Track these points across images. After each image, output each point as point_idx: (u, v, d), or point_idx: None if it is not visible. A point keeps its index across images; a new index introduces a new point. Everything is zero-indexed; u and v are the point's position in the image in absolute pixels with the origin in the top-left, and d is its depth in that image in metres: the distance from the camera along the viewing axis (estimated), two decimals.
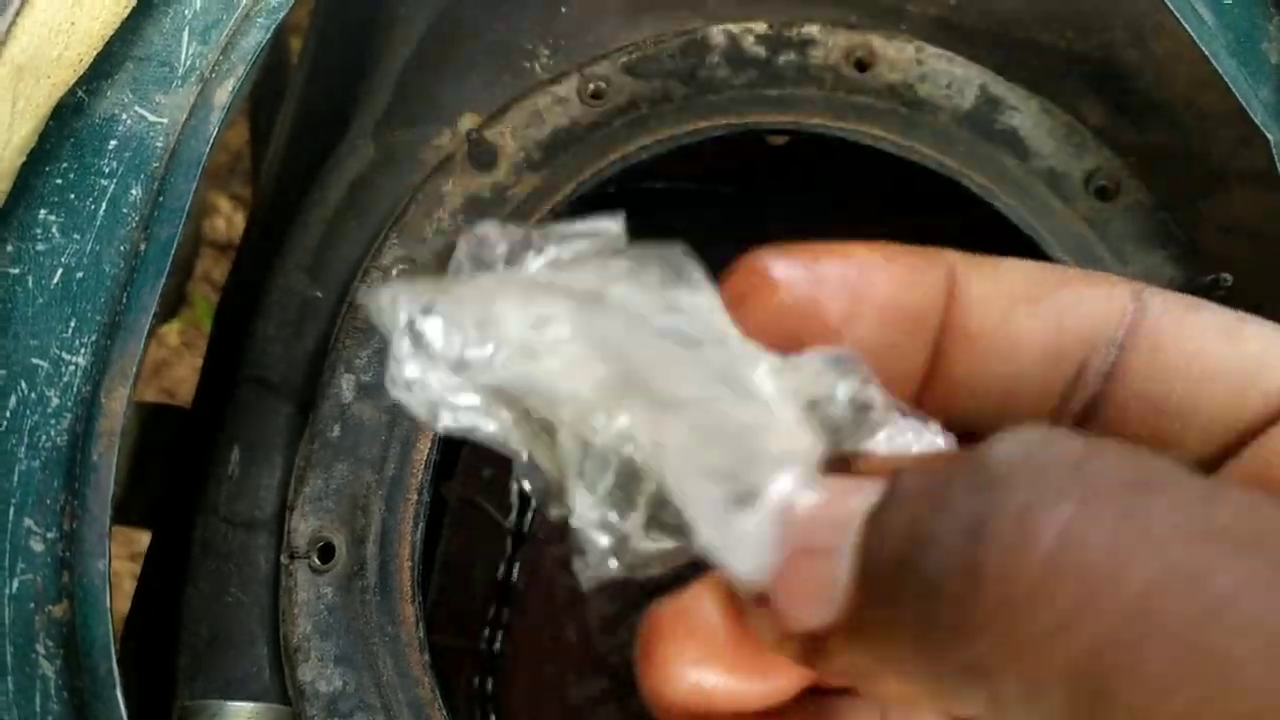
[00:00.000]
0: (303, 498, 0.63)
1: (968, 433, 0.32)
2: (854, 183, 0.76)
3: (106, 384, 0.45)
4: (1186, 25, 0.59)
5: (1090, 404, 0.32)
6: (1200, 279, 0.64)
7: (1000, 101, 0.69)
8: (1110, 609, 0.23)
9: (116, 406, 0.45)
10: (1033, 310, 0.31)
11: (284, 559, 0.63)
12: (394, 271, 0.66)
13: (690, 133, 0.68)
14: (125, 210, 0.48)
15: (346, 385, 0.65)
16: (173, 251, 0.47)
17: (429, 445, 0.63)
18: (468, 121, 0.70)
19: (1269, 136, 0.59)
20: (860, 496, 0.27)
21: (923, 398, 0.32)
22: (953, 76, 0.69)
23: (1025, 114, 0.69)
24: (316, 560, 0.63)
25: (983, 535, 0.24)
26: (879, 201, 0.76)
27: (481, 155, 0.67)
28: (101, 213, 0.48)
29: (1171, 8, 0.59)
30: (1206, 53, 0.59)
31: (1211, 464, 0.32)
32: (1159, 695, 0.23)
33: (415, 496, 0.63)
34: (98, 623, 0.43)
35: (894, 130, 0.68)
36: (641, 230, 0.29)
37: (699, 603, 0.29)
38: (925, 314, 0.31)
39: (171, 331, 1.79)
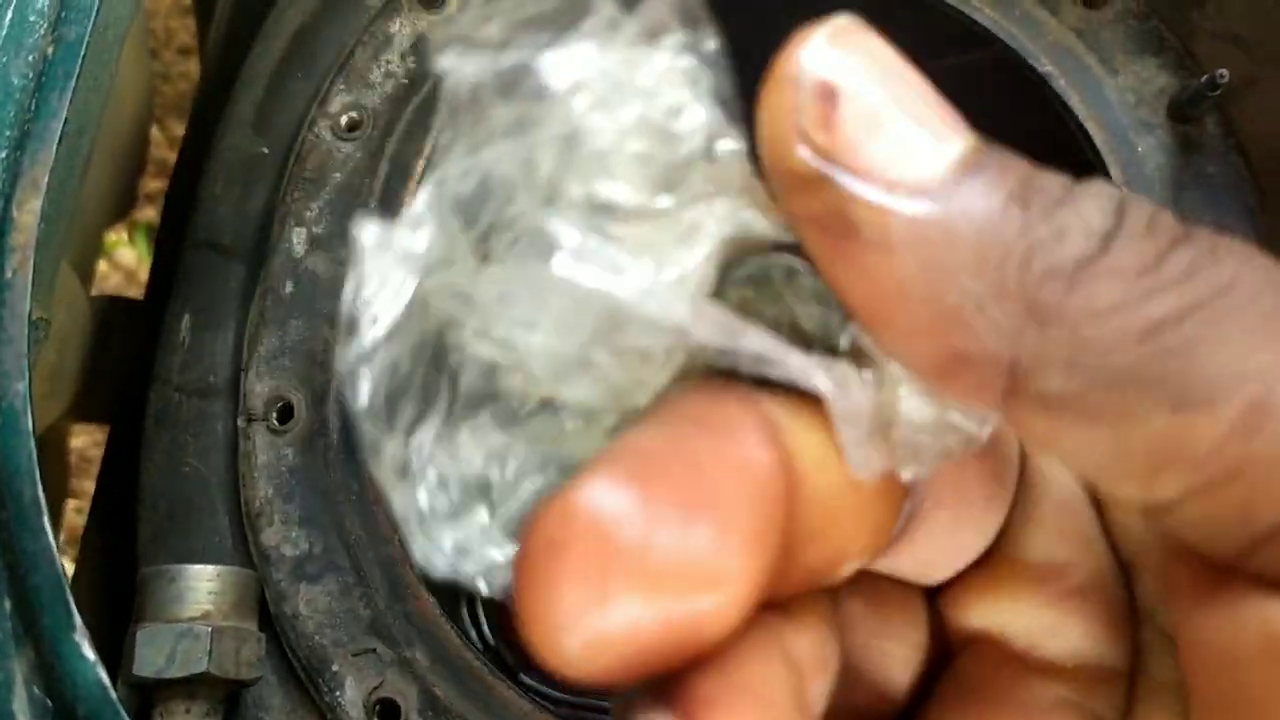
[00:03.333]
0: (257, 358, 0.60)
1: None
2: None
3: (18, 196, 0.42)
4: None
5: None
6: (1195, 82, 0.60)
7: None
8: None
9: (29, 219, 0.41)
10: None
11: (241, 422, 0.60)
12: (342, 120, 0.62)
13: None
14: (32, 18, 0.44)
15: (297, 239, 0.61)
16: (81, 54, 0.43)
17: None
18: None
19: None
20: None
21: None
22: None
23: None
24: (275, 421, 0.59)
25: None
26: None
27: None
28: (7, 21, 0.44)
29: None
30: None
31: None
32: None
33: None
34: (18, 447, 0.40)
35: None
36: None
37: (594, 499, 0.20)
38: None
39: (143, 269, 1.75)
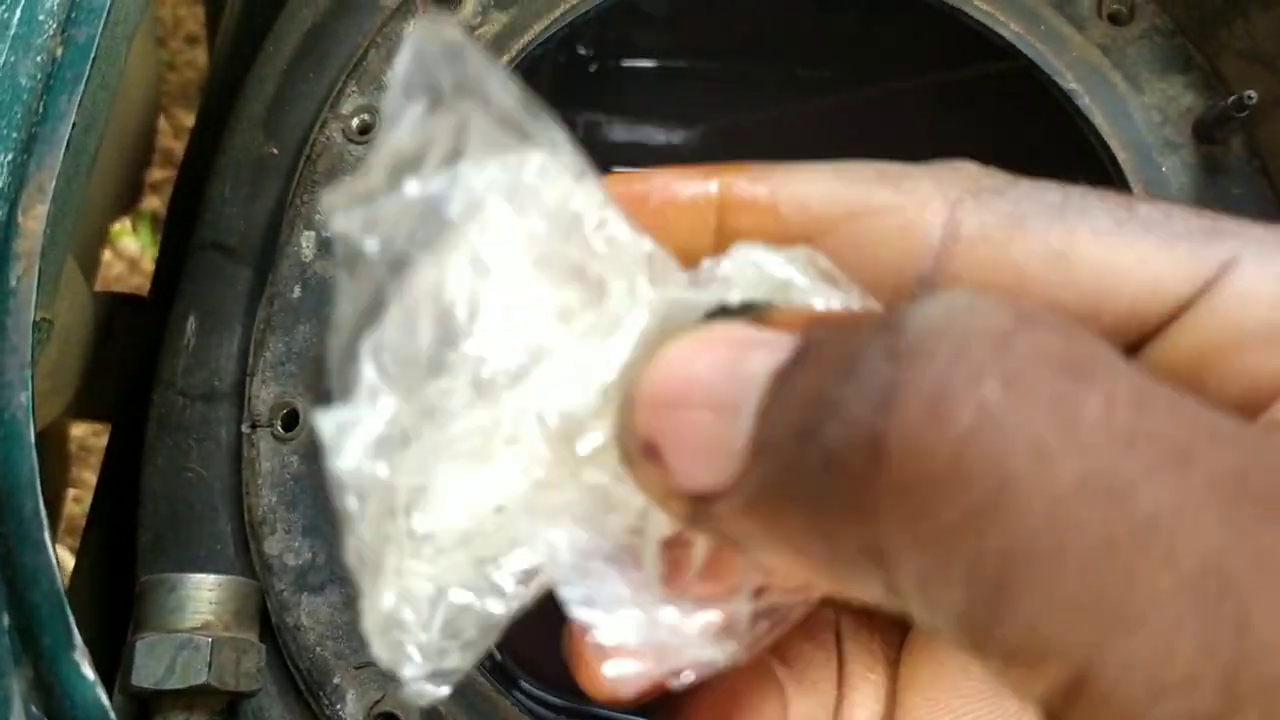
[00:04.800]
0: (263, 363, 0.59)
1: None
2: (855, 16, 0.71)
3: (23, 202, 0.41)
4: None
5: None
6: (1221, 102, 0.59)
7: None
8: (1027, 511, 0.20)
9: (34, 225, 0.40)
10: (820, 234, 0.29)
11: (245, 429, 0.59)
12: (354, 122, 0.61)
13: None
14: (42, 17, 0.43)
15: (306, 243, 0.60)
16: (92, 55, 0.42)
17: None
18: None
19: None
20: (767, 352, 0.24)
21: None
22: None
23: None
24: (280, 428, 0.58)
25: (891, 407, 0.21)
26: (879, 37, 0.72)
27: None
28: (16, 20, 0.43)
29: None
30: None
31: None
32: (1066, 617, 0.20)
33: None
34: (20, 459, 0.39)
35: None
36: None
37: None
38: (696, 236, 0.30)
39: (146, 258, 1.74)
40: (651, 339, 0.26)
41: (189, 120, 1.78)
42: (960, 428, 0.21)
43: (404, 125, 0.26)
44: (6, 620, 0.39)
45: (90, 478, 1.63)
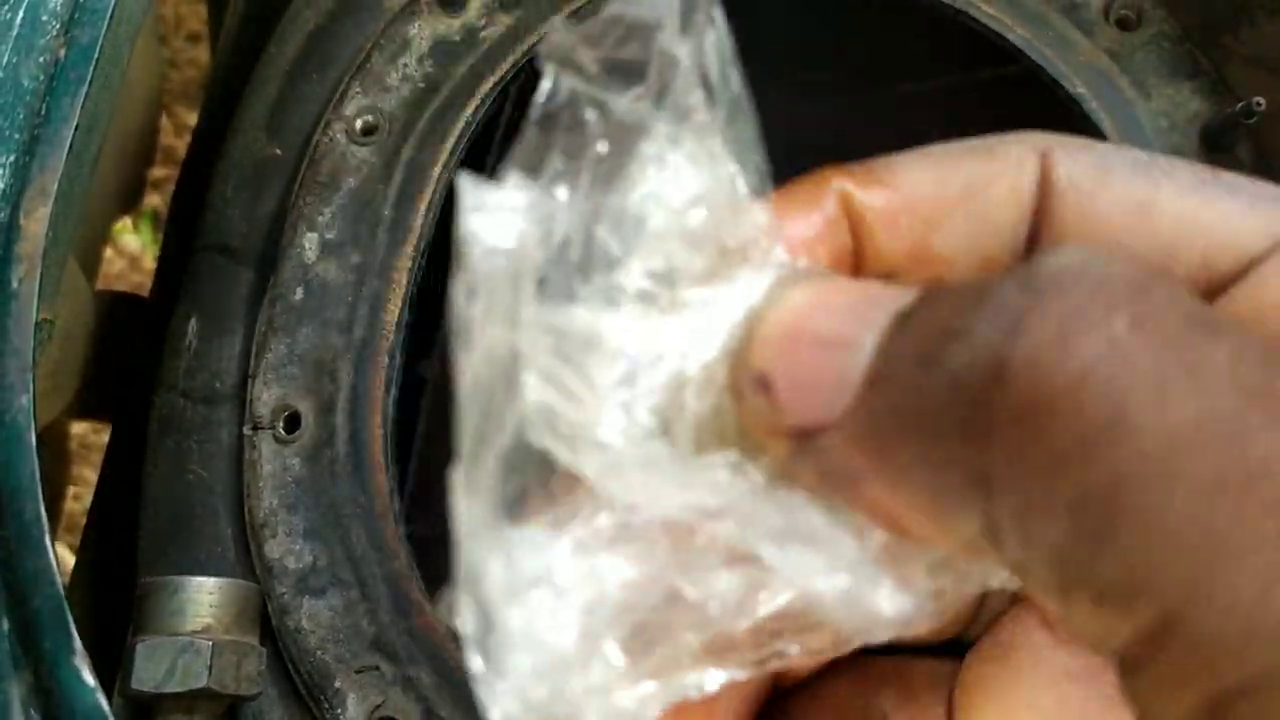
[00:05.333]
0: (265, 365, 0.59)
1: None
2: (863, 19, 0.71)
3: (25, 204, 0.40)
4: None
5: None
6: (1229, 109, 0.59)
7: None
8: (1140, 442, 0.21)
9: (36, 228, 0.40)
10: (942, 228, 0.30)
11: (247, 430, 0.58)
12: (357, 123, 0.61)
13: None
14: (45, 18, 0.43)
15: (309, 244, 0.60)
16: (95, 57, 0.42)
17: (399, 305, 0.59)
18: None
19: None
20: (892, 297, 0.25)
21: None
22: None
23: None
24: (282, 430, 0.58)
25: (1020, 330, 0.22)
26: (868, 66, 0.71)
27: None
28: (19, 21, 0.43)
29: None
30: None
31: None
32: (1168, 552, 0.20)
33: (386, 360, 0.58)
34: (21, 462, 0.38)
35: None
36: None
37: None
38: (840, 253, 0.30)
39: (147, 255, 1.74)
40: (778, 291, 0.26)
41: (191, 118, 1.78)
42: (1086, 356, 0.21)
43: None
44: (6, 625, 0.39)
45: (90, 475, 1.63)
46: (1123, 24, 0.62)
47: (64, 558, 1.53)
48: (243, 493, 0.58)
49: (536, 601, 0.25)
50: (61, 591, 0.38)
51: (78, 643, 0.38)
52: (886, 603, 0.25)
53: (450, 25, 0.62)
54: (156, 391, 0.61)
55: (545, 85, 0.25)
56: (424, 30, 0.62)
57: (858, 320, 0.25)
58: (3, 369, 0.39)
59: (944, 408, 0.23)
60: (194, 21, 1.79)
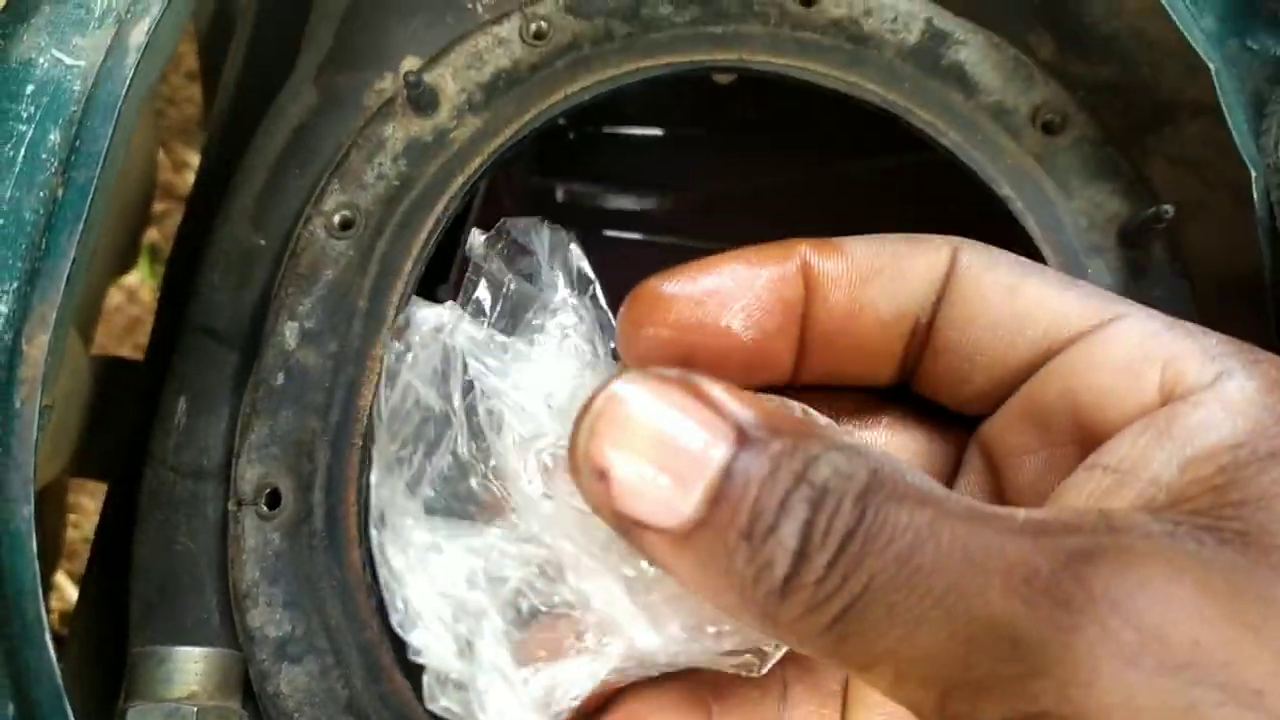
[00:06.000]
0: (249, 445, 0.63)
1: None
2: (800, 120, 0.75)
3: (27, 331, 0.45)
4: None
5: (916, 357, 0.39)
6: (1144, 212, 0.63)
7: (947, 36, 0.68)
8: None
9: (37, 354, 0.45)
10: (873, 284, 0.38)
11: (231, 506, 0.63)
12: (335, 218, 0.66)
13: (633, 72, 0.67)
14: (44, 156, 0.48)
15: (289, 333, 0.64)
16: (91, 195, 0.46)
17: (373, 391, 0.63)
18: (409, 64, 0.69)
19: (1209, 65, 0.58)
20: (717, 433, 0.31)
21: (799, 371, 0.39)
22: (898, 10, 0.68)
23: (972, 48, 0.68)
24: (264, 507, 0.63)
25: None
26: (827, 140, 0.76)
27: (422, 98, 0.66)
28: (20, 159, 0.48)
29: None
30: None
31: (997, 399, 0.38)
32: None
33: (360, 442, 0.63)
34: (24, 568, 0.43)
35: (839, 67, 0.67)
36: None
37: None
38: (790, 296, 0.38)
39: (145, 289, 1.78)
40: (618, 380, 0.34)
41: (189, 156, 1.82)
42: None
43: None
44: (12, 710, 0.43)
45: (87, 502, 1.67)
46: (1048, 128, 0.67)
47: (64, 585, 1.57)
48: (227, 565, 0.63)
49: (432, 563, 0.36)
50: (60, 684, 0.42)
51: None
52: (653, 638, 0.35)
53: (422, 127, 0.67)
54: (147, 464, 0.66)
55: (471, 269, 0.35)
56: (398, 131, 0.67)
57: (691, 460, 0.31)
58: (7, 483, 0.44)
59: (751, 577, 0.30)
60: (191, 59, 1.83)
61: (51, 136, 0.48)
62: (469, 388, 0.38)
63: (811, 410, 0.38)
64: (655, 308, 0.38)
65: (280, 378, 0.64)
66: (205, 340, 0.67)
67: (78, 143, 0.47)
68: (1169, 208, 0.62)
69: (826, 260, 0.38)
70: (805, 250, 0.39)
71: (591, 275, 0.41)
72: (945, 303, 0.38)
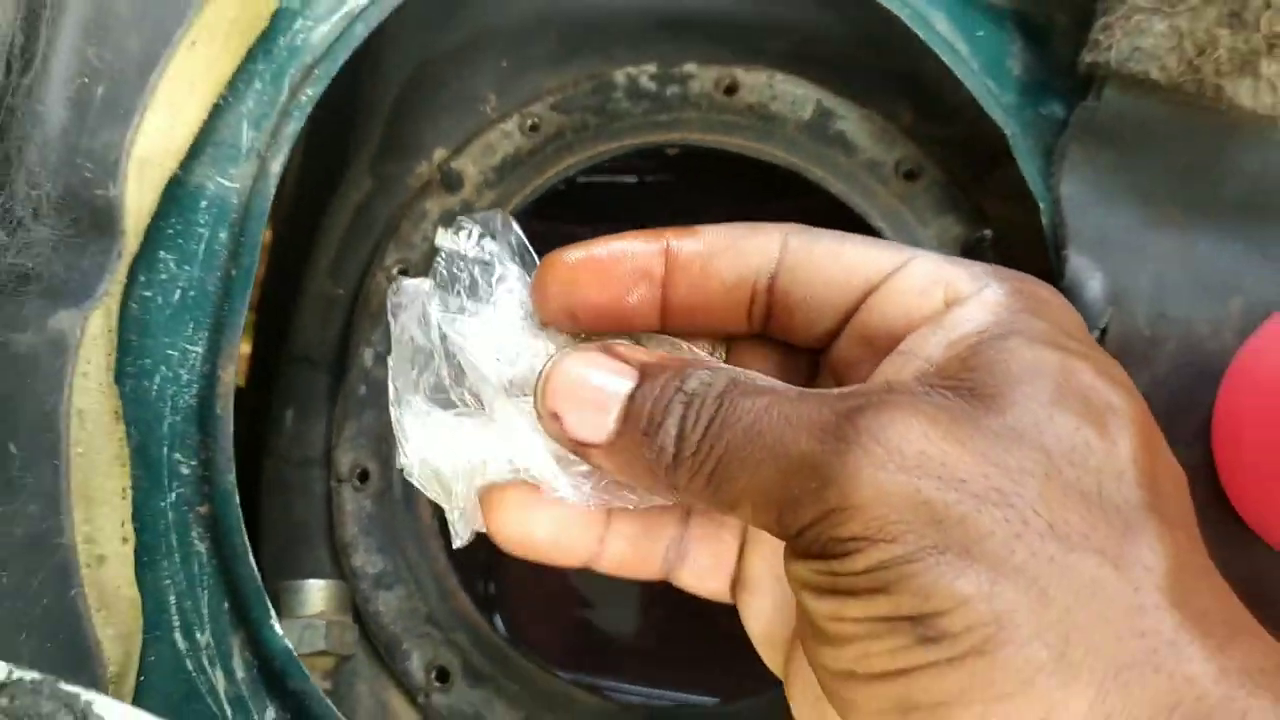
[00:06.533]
0: (343, 439, 0.88)
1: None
2: (728, 178, 1.00)
3: (221, 363, 0.69)
4: (941, 55, 0.83)
5: (764, 308, 0.49)
6: (975, 235, 0.88)
7: (832, 112, 0.93)
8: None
9: (228, 377, 0.69)
10: (719, 258, 0.48)
11: (333, 484, 0.87)
12: (394, 270, 0.90)
13: (604, 152, 0.92)
14: (217, 249, 0.72)
15: (367, 356, 0.89)
16: (253, 274, 0.71)
17: None
18: (439, 154, 0.94)
19: (1005, 131, 0.83)
20: (622, 375, 0.44)
21: (665, 321, 0.50)
22: (796, 96, 0.93)
23: (850, 120, 0.93)
24: (357, 482, 0.87)
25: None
26: (745, 192, 1.01)
27: (451, 180, 0.91)
28: (202, 251, 0.72)
29: (933, 47, 0.83)
30: (958, 74, 0.83)
31: (836, 333, 0.48)
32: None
33: None
34: (230, 513, 0.67)
35: (753, 138, 0.92)
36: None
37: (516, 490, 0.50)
38: (654, 269, 0.48)
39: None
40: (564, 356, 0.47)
41: None
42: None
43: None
44: (226, 604, 0.68)
45: None
46: (908, 176, 0.92)
47: None
48: (331, 525, 0.87)
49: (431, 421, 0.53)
50: (258, 577, 0.67)
51: (273, 612, 0.67)
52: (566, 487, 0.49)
53: (452, 201, 0.92)
54: (266, 459, 0.90)
55: (441, 255, 0.53)
56: (435, 205, 0.92)
57: (607, 393, 0.44)
58: (216, 461, 0.68)
59: (646, 453, 0.43)
60: None
61: (221, 236, 0.72)
62: (443, 335, 0.51)
63: (696, 349, 0.50)
64: (557, 272, 0.48)
65: (362, 388, 0.88)
66: (303, 366, 0.91)
67: (241, 239, 0.71)
68: (989, 232, 0.87)
69: (685, 241, 0.48)
70: (670, 235, 0.48)
71: (530, 249, 0.52)
72: (786, 270, 0.47)
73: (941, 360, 0.42)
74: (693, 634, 1.12)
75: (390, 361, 0.54)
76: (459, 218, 0.53)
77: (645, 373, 0.44)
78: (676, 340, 0.51)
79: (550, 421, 0.46)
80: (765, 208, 1.13)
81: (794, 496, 0.39)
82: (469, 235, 0.53)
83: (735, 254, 0.48)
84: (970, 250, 0.89)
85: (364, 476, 0.87)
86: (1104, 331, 0.81)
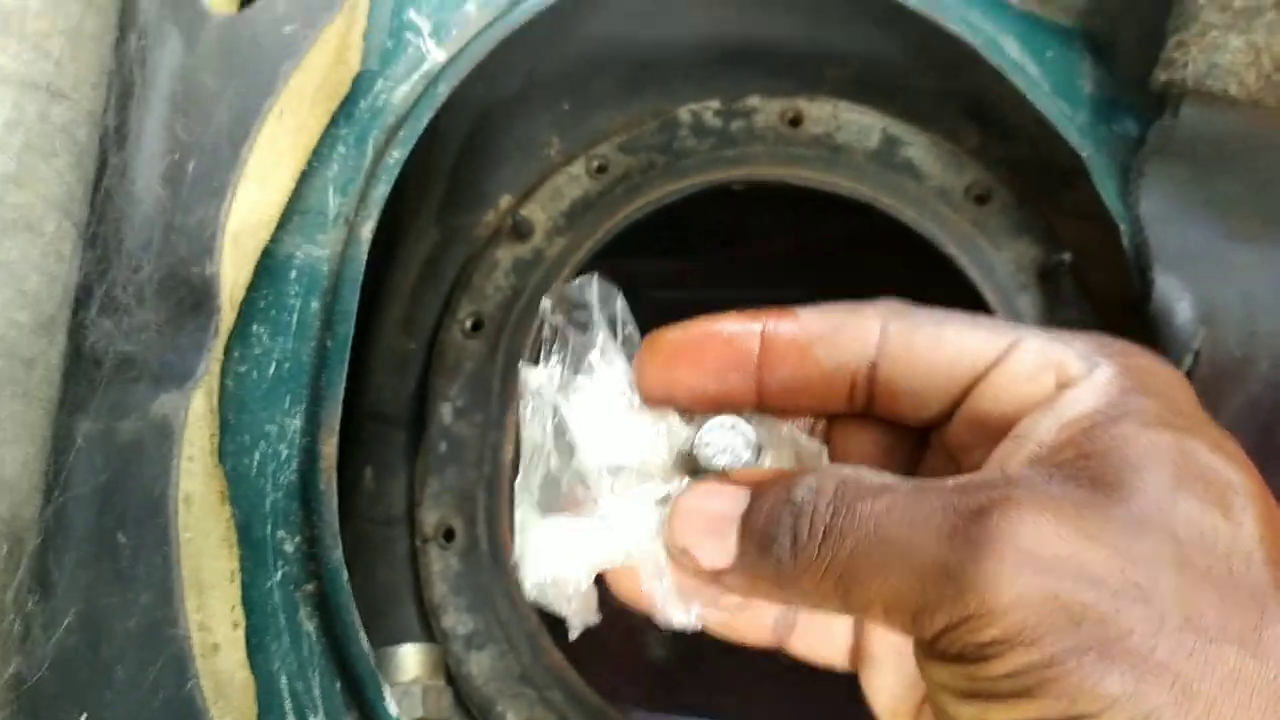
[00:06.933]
0: (426, 496, 0.87)
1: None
2: (790, 203, 0.99)
3: (322, 436, 0.68)
4: (1014, 78, 0.82)
5: (866, 394, 0.49)
6: (1053, 258, 0.87)
7: (898, 139, 0.92)
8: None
9: (330, 450, 0.68)
10: (817, 345, 0.49)
11: (418, 543, 0.86)
12: (467, 323, 0.89)
13: (673, 192, 0.91)
14: (310, 319, 0.71)
15: (445, 411, 0.88)
16: (349, 343, 0.70)
17: (512, 446, 0.86)
18: (506, 202, 0.93)
19: (1081, 153, 0.82)
20: (734, 501, 0.46)
21: (763, 401, 0.50)
22: (861, 125, 0.92)
23: (917, 146, 0.92)
24: (443, 540, 0.86)
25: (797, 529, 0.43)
26: (818, 225, 1.00)
27: (521, 228, 0.90)
28: (294, 322, 0.71)
29: (1001, 70, 0.82)
30: (1029, 98, 0.82)
31: (945, 416, 0.49)
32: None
33: (507, 486, 0.86)
34: (339, 590, 0.66)
35: (820, 170, 0.91)
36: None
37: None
38: (750, 352, 0.49)
39: None
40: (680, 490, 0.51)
41: None
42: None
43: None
44: (339, 684, 0.67)
45: None
46: (979, 200, 0.91)
47: None
48: (418, 585, 0.86)
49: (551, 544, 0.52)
50: (371, 657, 0.66)
51: (388, 691, 0.65)
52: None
53: (523, 249, 0.90)
54: (348, 520, 0.89)
55: (545, 327, 0.54)
56: (505, 254, 0.90)
57: (723, 520, 0.45)
58: (321, 537, 0.67)
59: (773, 560, 0.44)
60: None
61: (313, 305, 0.71)
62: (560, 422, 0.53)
63: (796, 427, 0.51)
64: (657, 354, 0.50)
65: (443, 445, 0.87)
66: (379, 424, 0.90)
67: (334, 308, 0.70)
68: (1067, 255, 0.86)
69: (782, 324, 0.49)
70: (767, 317, 0.49)
71: (631, 316, 0.53)
72: (887, 359, 0.48)
73: (1055, 443, 0.42)
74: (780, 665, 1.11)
75: (522, 458, 0.54)
76: (560, 284, 0.53)
77: (756, 491, 0.45)
78: (775, 420, 0.52)
79: (679, 556, 0.48)
80: (824, 229, 1.12)
81: (928, 602, 0.39)
82: (570, 305, 0.53)
83: (833, 341, 0.48)
84: (1048, 274, 0.89)
85: (449, 535, 0.86)
86: (1197, 354, 0.80)
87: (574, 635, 0.53)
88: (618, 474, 0.52)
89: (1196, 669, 0.36)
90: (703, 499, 0.47)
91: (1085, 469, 0.40)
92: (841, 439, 0.53)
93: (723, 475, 0.49)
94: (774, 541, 0.43)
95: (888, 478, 0.43)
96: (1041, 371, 0.45)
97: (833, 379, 0.49)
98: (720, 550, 0.46)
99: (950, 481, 0.42)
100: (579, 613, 0.53)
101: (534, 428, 0.53)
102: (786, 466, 0.51)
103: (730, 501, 0.46)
